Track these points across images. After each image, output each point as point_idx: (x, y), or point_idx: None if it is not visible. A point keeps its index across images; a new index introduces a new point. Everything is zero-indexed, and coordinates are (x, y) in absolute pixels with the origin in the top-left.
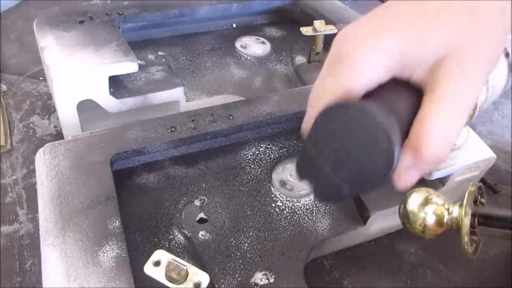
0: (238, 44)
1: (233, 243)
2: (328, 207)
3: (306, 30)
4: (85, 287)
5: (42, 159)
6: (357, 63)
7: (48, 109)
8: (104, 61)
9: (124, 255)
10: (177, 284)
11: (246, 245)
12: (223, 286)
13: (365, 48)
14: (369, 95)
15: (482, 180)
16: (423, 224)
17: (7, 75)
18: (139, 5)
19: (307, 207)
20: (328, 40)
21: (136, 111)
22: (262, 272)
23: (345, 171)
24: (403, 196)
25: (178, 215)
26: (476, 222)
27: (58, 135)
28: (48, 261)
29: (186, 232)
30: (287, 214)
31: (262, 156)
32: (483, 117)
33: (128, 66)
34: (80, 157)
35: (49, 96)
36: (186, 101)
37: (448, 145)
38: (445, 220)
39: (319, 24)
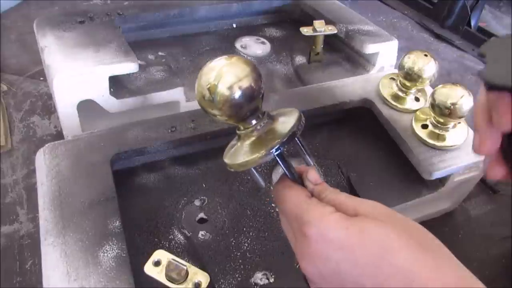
0: (238, 44)
1: (233, 243)
2: None
3: (306, 30)
4: (85, 287)
5: (42, 159)
6: None
7: (48, 109)
8: (104, 61)
9: (124, 255)
10: (177, 284)
11: (246, 245)
12: (223, 286)
13: None
14: None
15: (482, 180)
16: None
17: (7, 75)
18: (139, 5)
19: None
20: (328, 40)
21: (136, 111)
22: (262, 272)
23: None
24: (402, 196)
25: (178, 215)
26: None
27: (58, 135)
28: (48, 261)
29: (186, 232)
30: None
31: None
32: None
33: (128, 66)
34: (80, 157)
35: (49, 96)
36: (186, 101)
37: None
38: None
39: (319, 24)
